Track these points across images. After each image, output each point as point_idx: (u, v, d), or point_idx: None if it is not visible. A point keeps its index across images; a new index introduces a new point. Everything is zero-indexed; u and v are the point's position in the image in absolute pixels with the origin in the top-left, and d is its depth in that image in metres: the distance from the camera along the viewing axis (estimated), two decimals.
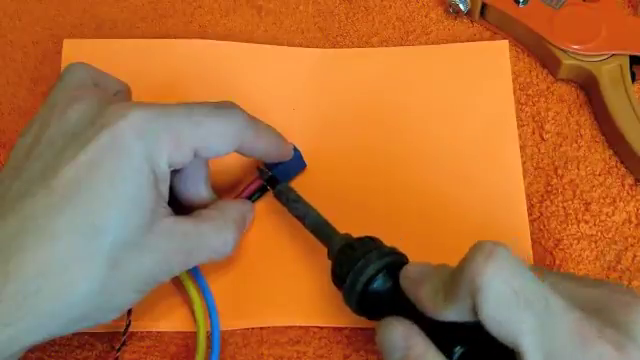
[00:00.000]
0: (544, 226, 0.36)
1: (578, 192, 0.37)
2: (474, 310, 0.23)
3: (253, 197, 0.36)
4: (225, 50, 0.41)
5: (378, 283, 0.28)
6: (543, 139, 0.38)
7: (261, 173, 0.36)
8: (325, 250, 0.32)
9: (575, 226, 0.36)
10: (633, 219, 0.36)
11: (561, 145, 0.38)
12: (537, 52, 0.40)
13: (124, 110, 0.28)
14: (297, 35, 0.42)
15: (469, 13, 0.41)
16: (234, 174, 0.38)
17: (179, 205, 0.32)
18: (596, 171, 0.37)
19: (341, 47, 0.42)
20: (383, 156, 0.38)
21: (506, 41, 0.40)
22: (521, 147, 0.38)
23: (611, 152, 0.38)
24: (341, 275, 0.29)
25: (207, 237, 0.31)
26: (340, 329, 0.34)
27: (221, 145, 0.31)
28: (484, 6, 0.41)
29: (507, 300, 0.23)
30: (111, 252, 0.27)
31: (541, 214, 0.36)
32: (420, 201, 0.37)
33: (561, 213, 0.36)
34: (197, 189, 0.33)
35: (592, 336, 0.22)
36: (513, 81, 0.39)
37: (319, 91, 0.40)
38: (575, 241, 0.36)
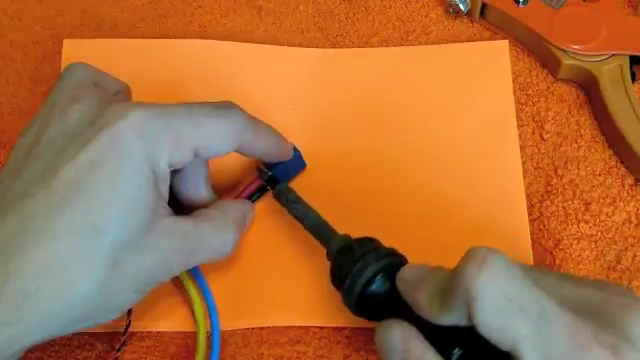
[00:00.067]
0: (544, 226, 0.36)
1: (578, 192, 0.37)
2: (470, 316, 0.23)
3: (253, 197, 0.36)
4: (225, 50, 0.41)
5: (376, 285, 0.28)
6: (543, 139, 0.38)
7: (261, 173, 0.36)
8: (325, 250, 0.32)
9: (575, 226, 0.36)
10: (633, 219, 0.36)
11: (561, 145, 0.38)
12: (537, 52, 0.40)
13: (124, 110, 0.28)
14: (297, 35, 0.42)
15: (469, 13, 0.41)
16: (234, 174, 0.38)
17: (179, 205, 0.32)
18: (596, 171, 0.37)
19: (341, 47, 0.42)
20: (383, 156, 0.38)
21: (506, 41, 0.40)
22: (521, 147, 0.38)
23: (611, 152, 0.38)
24: (340, 277, 0.30)
25: (207, 237, 0.31)
26: (340, 329, 0.34)
27: (221, 145, 0.31)
28: (484, 6, 0.41)
29: (501, 307, 0.23)
30: (111, 252, 0.27)
31: (541, 214, 0.36)
32: (420, 201, 0.37)
33: (561, 213, 0.36)
34: (197, 189, 0.33)
35: (588, 341, 0.22)
36: (513, 81, 0.39)
37: (319, 91, 0.40)
38: (575, 241, 0.36)
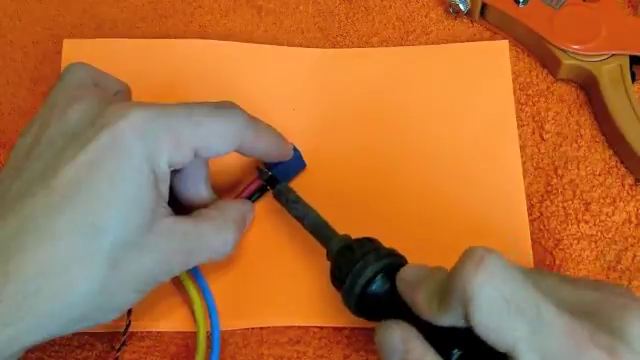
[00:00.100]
0: (544, 226, 0.36)
1: (578, 192, 0.37)
2: (467, 317, 0.23)
3: (253, 197, 0.36)
4: (225, 50, 0.41)
5: (376, 285, 0.28)
6: (543, 139, 0.38)
7: (261, 173, 0.36)
8: (325, 250, 0.32)
9: (575, 226, 0.36)
10: (633, 219, 0.36)
11: (561, 145, 0.38)
12: (537, 52, 0.40)
13: (124, 110, 0.28)
14: (297, 35, 0.42)
15: (469, 13, 0.41)
16: (234, 174, 0.38)
17: (179, 205, 0.32)
18: (596, 171, 0.37)
19: (341, 47, 0.42)
20: (383, 156, 0.38)
21: (506, 41, 0.40)
22: (521, 147, 0.38)
23: (611, 152, 0.38)
24: (340, 277, 0.30)
25: (207, 237, 0.31)
26: (340, 329, 0.34)
27: (221, 145, 0.31)
28: (484, 6, 0.41)
29: (498, 308, 0.23)
30: (111, 252, 0.27)
31: (541, 214, 0.36)
32: (420, 201, 0.37)
33: (561, 213, 0.36)
34: (197, 189, 0.33)
35: (585, 341, 0.22)
36: (513, 81, 0.39)
37: (319, 91, 0.40)
38: (575, 241, 0.36)
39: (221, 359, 0.34)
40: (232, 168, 0.37)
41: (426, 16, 0.42)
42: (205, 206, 0.33)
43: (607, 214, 0.36)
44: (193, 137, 0.29)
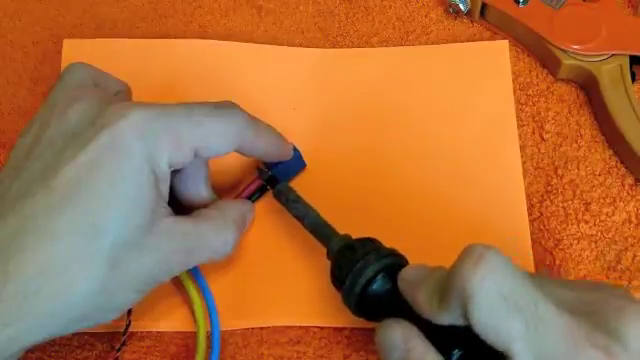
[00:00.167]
0: (544, 226, 0.36)
1: (578, 192, 0.37)
2: (466, 315, 0.23)
3: (253, 197, 0.36)
4: (225, 50, 0.41)
5: (377, 285, 0.28)
6: (543, 139, 0.38)
7: (261, 173, 0.36)
8: (325, 250, 0.32)
9: (575, 226, 0.36)
10: (633, 219, 0.36)
11: (561, 145, 0.38)
12: (537, 52, 0.40)
13: (124, 110, 0.28)
14: (297, 35, 0.42)
15: (469, 13, 0.41)
16: (234, 174, 0.38)
17: (179, 205, 0.32)
18: (596, 171, 0.37)
19: (341, 47, 0.42)
20: (383, 156, 0.38)
21: (506, 41, 0.40)
22: (521, 147, 0.38)
23: (611, 152, 0.38)
24: (340, 277, 0.29)
25: (207, 237, 0.31)
26: (340, 329, 0.34)
27: (221, 145, 0.31)
28: (484, 6, 0.41)
29: (497, 306, 0.23)
30: (111, 252, 0.27)
31: (541, 214, 0.36)
32: (420, 201, 0.37)
33: (561, 213, 0.36)
34: (197, 189, 0.33)
35: (582, 341, 0.22)
36: (513, 81, 0.39)
37: (319, 91, 0.40)
38: (575, 241, 0.36)
39: (221, 359, 0.34)
40: (232, 168, 0.37)
41: (426, 16, 0.42)
42: (205, 206, 0.33)
43: (607, 214, 0.36)
44: (193, 137, 0.29)
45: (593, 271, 0.35)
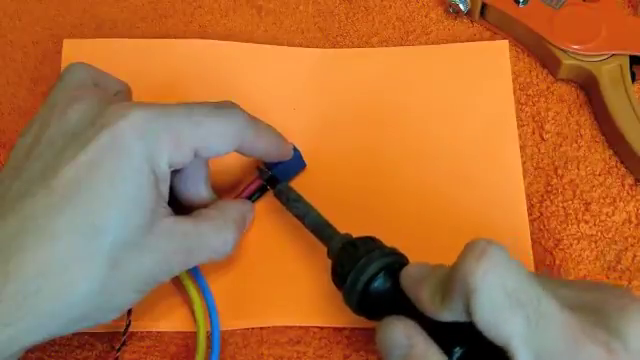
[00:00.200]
0: (544, 226, 0.36)
1: (578, 192, 0.37)
2: (468, 311, 0.23)
3: (253, 197, 0.36)
4: (225, 50, 0.41)
5: (379, 283, 0.28)
6: (543, 139, 0.38)
7: (261, 173, 0.36)
8: (325, 250, 0.32)
9: (575, 226, 0.36)
10: (633, 219, 0.36)
11: (561, 145, 0.38)
12: (537, 52, 0.40)
13: (124, 110, 0.28)
14: (297, 35, 0.42)
15: (469, 13, 0.41)
16: (234, 174, 0.38)
17: (179, 205, 0.32)
18: (596, 171, 0.37)
19: (341, 47, 0.42)
20: (383, 156, 0.38)
21: (506, 41, 0.40)
22: (521, 147, 0.38)
23: (611, 152, 0.38)
24: (342, 274, 0.29)
25: (207, 237, 0.31)
26: (340, 329, 0.34)
27: (221, 145, 0.31)
28: (484, 6, 0.41)
29: (499, 300, 0.23)
30: (111, 252, 0.27)
31: (541, 214, 0.36)
32: (420, 201, 0.37)
33: (561, 213, 0.36)
34: (197, 189, 0.33)
35: (583, 337, 0.22)
36: (513, 81, 0.39)
37: (319, 91, 0.40)
38: (575, 241, 0.36)
39: (221, 359, 0.34)
40: (232, 168, 0.37)
41: (426, 16, 0.42)
42: (205, 206, 0.33)
43: (607, 214, 0.36)
44: (193, 137, 0.29)
45: (593, 271, 0.35)
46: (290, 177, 0.37)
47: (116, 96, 0.33)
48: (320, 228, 0.33)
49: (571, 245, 0.35)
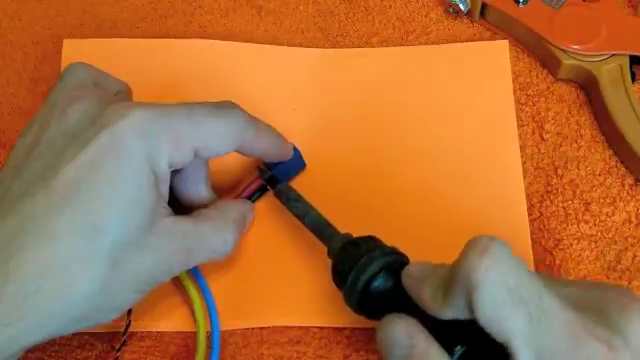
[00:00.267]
0: (544, 226, 0.36)
1: (578, 192, 0.37)
2: (470, 307, 0.23)
3: (253, 197, 0.36)
4: (225, 50, 0.41)
5: (380, 281, 0.28)
6: (543, 139, 0.38)
7: (261, 173, 0.36)
8: (325, 250, 0.32)
9: (575, 226, 0.36)
10: (633, 219, 0.36)
11: (561, 145, 0.38)
12: (537, 52, 0.40)
13: (124, 110, 0.28)
14: (297, 35, 0.42)
15: (469, 13, 0.41)
16: (234, 174, 0.38)
17: (179, 205, 0.32)
18: (596, 171, 0.37)
19: (341, 47, 0.42)
20: (383, 156, 0.38)
21: (506, 41, 0.40)
22: (521, 147, 0.38)
23: (611, 152, 0.38)
24: (343, 272, 0.29)
25: (207, 237, 0.31)
26: (340, 329, 0.34)
27: (221, 145, 0.31)
28: (484, 6, 0.41)
29: (501, 297, 0.23)
30: (111, 252, 0.27)
31: (541, 214, 0.36)
32: (420, 201, 0.37)
33: (561, 213, 0.36)
34: (197, 189, 0.33)
35: (584, 334, 0.22)
36: (513, 81, 0.39)
37: (319, 91, 0.40)
38: (575, 241, 0.36)
39: (221, 359, 0.34)
40: (232, 168, 0.37)
41: (426, 16, 0.42)
42: (205, 206, 0.33)
43: (607, 214, 0.36)
44: (193, 137, 0.29)
45: (593, 271, 0.35)
46: (290, 177, 0.37)
47: (116, 96, 0.33)
48: (320, 228, 0.33)
49: (571, 245, 0.35)
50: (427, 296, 0.25)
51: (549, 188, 0.37)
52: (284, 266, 0.36)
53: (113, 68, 0.34)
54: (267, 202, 0.37)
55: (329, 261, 0.31)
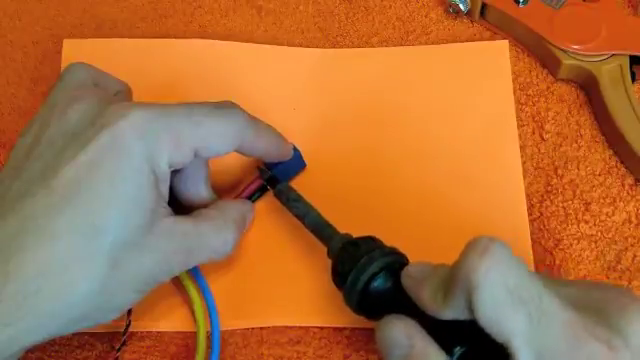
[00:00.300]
0: (544, 226, 0.36)
1: (578, 192, 0.37)
2: (470, 308, 0.23)
3: (253, 197, 0.36)
4: (225, 50, 0.41)
5: (379, 282, 0.28)
6: (543, 139, 0.38)
7: (261, 173, 0.36)
8: (325, 250, 0.32)
9: (575, 226, 0.36)
10: (633, 219, 0.36)
11: (561, 145, 0.38)
12: (537, 52, 0.40)
13: (124, 110, 0.28)
14: (297, 35, 0.42)
15: (469, 13, 0.41)
16: (234, 174, 0.38)
17: (179, 205, 0.32)
18: (596, 171, 0.37)
19: (341, 47, 0.42)
20: (383, 156, 0.38)
21: (506, 41, 0.40)
22: (521, 147, 0.38)
23: (611, 152, 0.38)
24: (342, 272, 0.29)
25: (207, 237, 0.31)
26: (340, 329, 0.34)
27: (221, 145, 0.31)
28: (484, 6, 0.41)
29: (501, 297, 0.23)
30: (111, 252, 0.27)
31: (541, 214, 0.36)
32: (420, 201, 0.37)
33: (561, 213, 0.36)
34: (197, 189, 0.33)
35: (584, 334, 0.22)
36: (513, 81, 0.39)
37: (319, 91, 0.40)
38: (575, 241, 0.36)
39: (221, 359, 0.34)
40: (232, 168, 0.37)
41: (426, 16, 0.42)
42: (205, 206, 0.33)
43: (607, 214, 0.36)
44: (193, 137, 0.29)
45: (593, 271, 0.35)
46: (290, 177, 0.37)
47: (116, 96, 0.33)
48: (320, 228, 0.33)
49: (571, 245, 0.35)
50: (427, 296, 0.25)
51: (549, 188, 0.37)
52: (284, 266, 0.36)
53: (113, 68, 0.34)
54: (267, 202, 0.37)
55: (329, 261, 0.31)
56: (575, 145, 0.38)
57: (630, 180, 0.37)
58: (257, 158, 0.36)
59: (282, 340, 0.34)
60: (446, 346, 0.25)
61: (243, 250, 0.36)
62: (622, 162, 0.37)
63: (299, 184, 0.36)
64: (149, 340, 0.35)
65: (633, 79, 0.38)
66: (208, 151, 0.30)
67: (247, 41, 0.42)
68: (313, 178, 0.37)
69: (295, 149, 0.36)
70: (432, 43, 0.41)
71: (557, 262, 0.35)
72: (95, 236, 0.26)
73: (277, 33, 0.43)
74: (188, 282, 0.34)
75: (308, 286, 0.35)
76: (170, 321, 0.35)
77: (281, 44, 0.42)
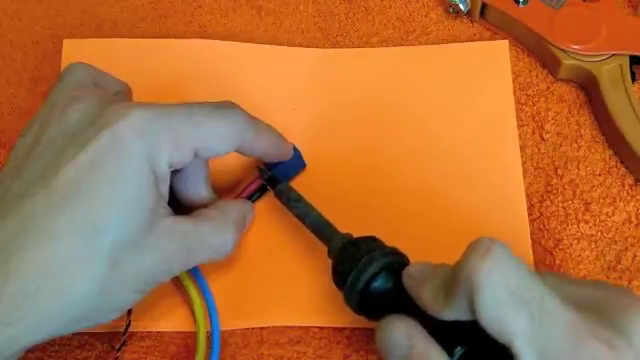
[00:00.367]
0: (544, 226, 0.36)
1: (578, 192, 0.37)
2: (472, 309, 0.23)
3: (253, 197, 0.36)
4: (225, 50, 0.41)
5: (380, 282, 0.28)
6: (543, 139, 0.38)
7: (261, 173, 0.36)
8: (325, 250, 0.32)
9: (575, 226, 0.36)
10: (633, 219, 0.36)
11: (561, 145, 0.38)
12: (537, 52, 0.40)
13: (124, 110, 0.28)
14: (297, 35, 0.42)
15: (469, 13, 0.41)
16: (234, 174, 0.38)
17: (179, 205, 0.32)
18: (596, 171, 0.37)
19: (341, 47, 0.42)
20: (383, 156, 0.38)
21: (506, 41, 0.40)
22: (521, 147, 0.38)
23: (611, 152, 0.38)
24: (343, 273, 0.29)
25: (207, 237, 0.31)
26: (340, 329, 0.34)
27: (221, 145, 0.31)
28: (484, 6, 0.41)
29: (503, 298, 0.23)
30: (111, 252, 0.27)
31: (541, 214, 0.36)
32: (420, 201, 0.37)
33: (561, 213, 0.36)
34: (197, 189, 0.33)
35: (586, 335, 0.22)
36: (513, 81, 0.39)
37: (319, 91, 0.40)
38: (575, 241, 0.36)
39: (221, 359, 0.34)
40: (232, 168, 0.37)
41: (426, 16, 0.42)
42: (205, 206, 0.33)
43: (607, 214, 0.36)
44: (193, 137, 0.29)
45: (593, 271, 0.35)
46: (290, 177, 0.37)
47: (116, 96, 0.33)
48: (320, 228, 0.33)
49: (571, 245, 0.35)
50: (427, 297, 0.25)
51: (549, 188, 0.37)
52: (284, 266, 0.36)
53: (113, 68, 0.34)
54: (267, 202, 0.37)
55: (329, 261, 0.31)
56: (575, 145, 0.38)
57: (630, 180, 0.37)
58: (257, 158, 0.36)
59: (282, 340, 0.34)
60: (447, 346, 0.25)
61: (243, 250, 0.36)
62: (622, 162, 0.37)
63: (299, 184, 0.36)
64: (149, 340, 0.35)
65: (633, 79, 0.38)
66: (208, 151, 0.30)
67: (247, 41, 0.42)
68: (313, 178, 0.37)
69: (295, 149, 0.36)
70: (432, 43, 0.41)
71: (557, 262, 0.35)
72: (95, 236, 0.26)
73: (277, 33, 0.43)
74: (188, 282, 0.34)
75: (308, 286, 0.35)
76: (170, 321, 0.35)
77: (281, 44, 0.42)
